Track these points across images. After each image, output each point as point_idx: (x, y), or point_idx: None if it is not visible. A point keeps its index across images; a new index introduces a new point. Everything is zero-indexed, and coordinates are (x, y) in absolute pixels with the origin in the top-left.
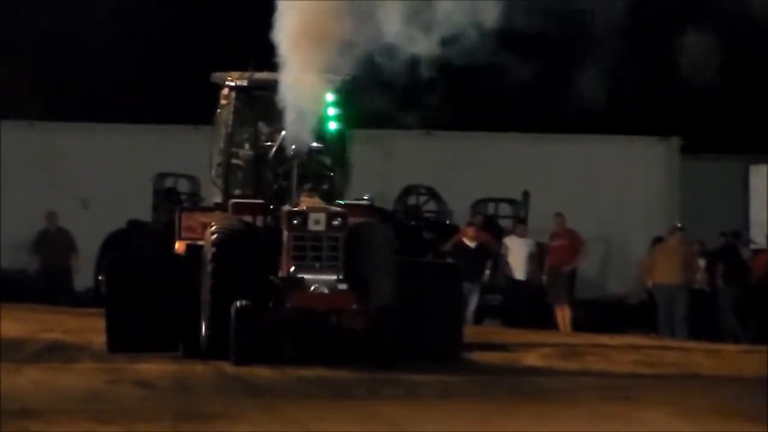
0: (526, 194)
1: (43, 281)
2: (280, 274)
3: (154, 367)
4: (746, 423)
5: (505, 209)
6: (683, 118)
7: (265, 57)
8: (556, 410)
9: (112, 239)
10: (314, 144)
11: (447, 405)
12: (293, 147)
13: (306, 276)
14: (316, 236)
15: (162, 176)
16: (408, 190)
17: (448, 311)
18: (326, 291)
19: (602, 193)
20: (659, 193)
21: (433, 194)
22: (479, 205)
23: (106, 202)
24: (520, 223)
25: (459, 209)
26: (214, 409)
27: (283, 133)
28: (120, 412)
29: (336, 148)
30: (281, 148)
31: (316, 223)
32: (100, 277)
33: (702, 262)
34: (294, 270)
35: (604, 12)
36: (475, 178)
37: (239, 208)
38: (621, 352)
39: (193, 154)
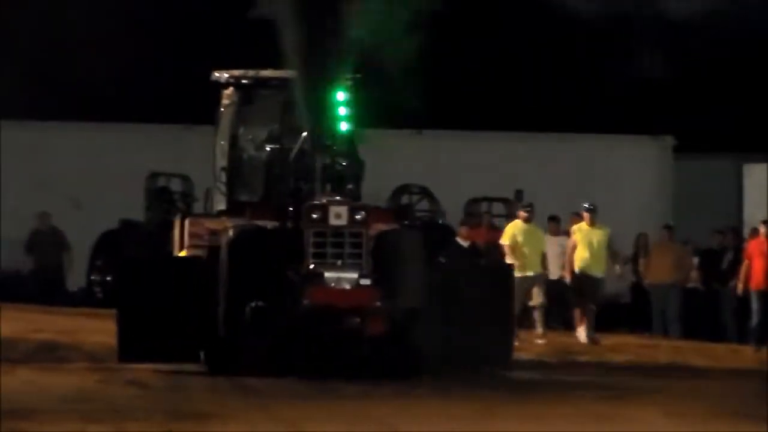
0: (519, 193)
1: (36, 281)
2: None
3: (146, 367)
4: (738, 422)
5: (498, 208)
6: (676, 117)
7: (266, 54)
8: (549, 410)
9: (105, 239)
10: (332, 144)
11: (438, 404)
12: (316, 147)
13: (326, 273)
14: (338, 232)
15: (154, 176)
16: (401, 190)
17: (496, 316)
18: (348, 287)
19: (595, 192)
20: (652, 192)
21: (426, 193)
22: (472, 204)
23: (98, 201)
24: (553, 221)
25: (452, 208)
26: (207, 408)
27: (304, 134)
28: (111, 411)
29: (347, 148)
30: (301, 150)
31: (338, 217)
32: (92, 277)
33: (695, 261)
34: (313, 267)
35: (599, 12)
36: (468, 177)
37: (257, 212)
38: (614, 351)
39: (186, 153)
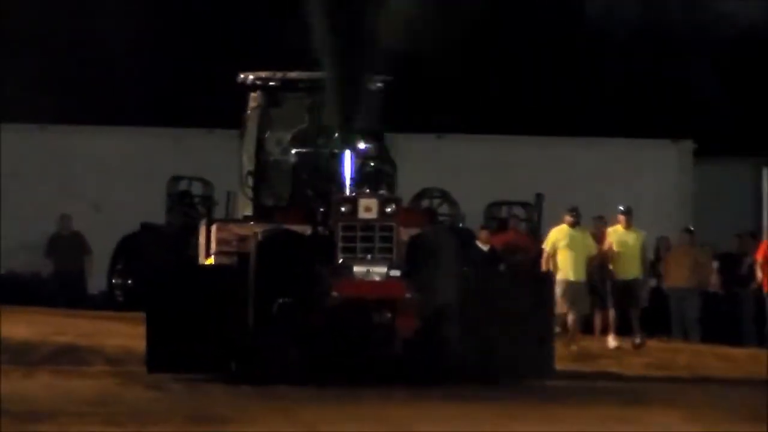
0: (539, 197)
1: (57, 284)
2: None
3: None
4: (758, 426)
5: (518, 212)
6: (696, 121)
7: (288, 56)
8: (569, 413)
9: (126, 242)
10: (364, 145)
11: (457, 407)
12: (346, 149)
13: (355, 267)
14: (368, 225)
15: (175, 179)
16: (422, 194)
17: (536, 325)
18: (377, 279)
19: (615, 196)
20: (672, 195)
21: (445, 197)
22: (492, 208)
23: (119, 205)
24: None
25: (472, 213)
26: (226, 412)
27: (336, 135)
28: (132, 414)
29: (379, 149)
30: (331, 152)
31: (368, 210)
32: (113, 280)
33: (715, 265)
34: (342, 262)
35: (618, 17)
36: (488, 181)
37: (286, 216)
38: (633, 354)
39: (207, 157)
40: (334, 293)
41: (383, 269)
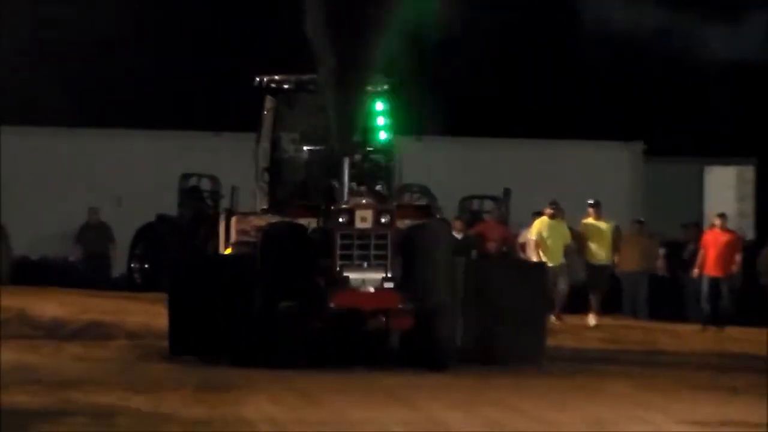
0: (507, 192)
1: (85, 268)
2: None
3: None
4: (701, 392)
5: (488, 205)
6: (646, 125)
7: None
8: (532, 381)
9: (143, 231)
10: (364, 143)
11: (436, 378)
12: (343, 146)
13: (351, 275)
14: (363, 234)
15: (186, 176)
16: (402, 189)
17: (529, 312)
18: (371, 290)
19: (574, 192)
20: (625, 191)
21: (424, 192)
22: (465, 201)
23: (137, 199)
24: (538, 215)
25: (447, 205)
26: (233, 381)
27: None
28: (149, 383)
29: (383, 149)
30: (332, 149)
31: (363, 220)
32: (132, 264)
33: (662, 251)
34: (339, 270)
35: (575, 24)
36: (462, 178)
37: (296, 211)
38: (589, 330)
39: (214, 156)
40: (332, 305)
41: (378, 276)
